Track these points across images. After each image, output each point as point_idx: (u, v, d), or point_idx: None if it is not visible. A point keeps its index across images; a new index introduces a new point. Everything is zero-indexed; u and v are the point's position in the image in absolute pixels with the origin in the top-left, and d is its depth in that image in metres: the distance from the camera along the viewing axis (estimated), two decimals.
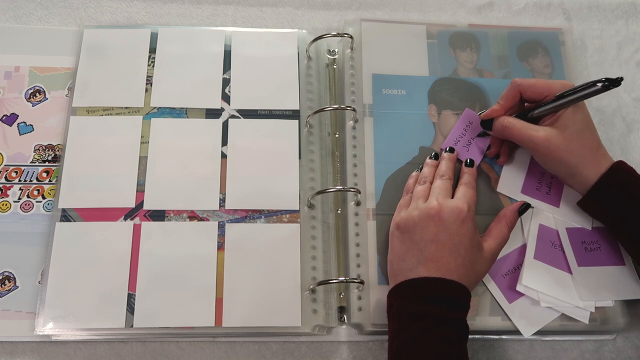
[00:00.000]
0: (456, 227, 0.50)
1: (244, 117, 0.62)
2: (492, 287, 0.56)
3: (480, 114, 0.60)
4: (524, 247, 0.57)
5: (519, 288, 0.55)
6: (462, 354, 0.46)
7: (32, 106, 0.62)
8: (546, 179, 0.60)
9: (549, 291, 0.55)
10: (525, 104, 0.58)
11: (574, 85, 0.54)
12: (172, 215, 0.57)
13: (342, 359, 0.56)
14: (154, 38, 0.65)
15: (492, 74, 0.65)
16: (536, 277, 0.55)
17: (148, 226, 0.57)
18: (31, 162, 0.60)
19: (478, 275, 0.51)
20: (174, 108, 0.62)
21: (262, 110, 0.62)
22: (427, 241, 0.50)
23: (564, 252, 0.57)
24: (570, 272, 0.56)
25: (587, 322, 0.55)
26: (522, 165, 0.61)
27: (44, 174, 0.60)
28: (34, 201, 0.59)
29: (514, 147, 0.60)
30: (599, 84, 0.50)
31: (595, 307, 0.55)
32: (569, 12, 0.73)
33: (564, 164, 0.54)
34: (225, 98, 0.63)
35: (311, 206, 0.58)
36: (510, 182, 0.60)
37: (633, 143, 0.66)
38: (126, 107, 0.62)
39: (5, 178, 0.59)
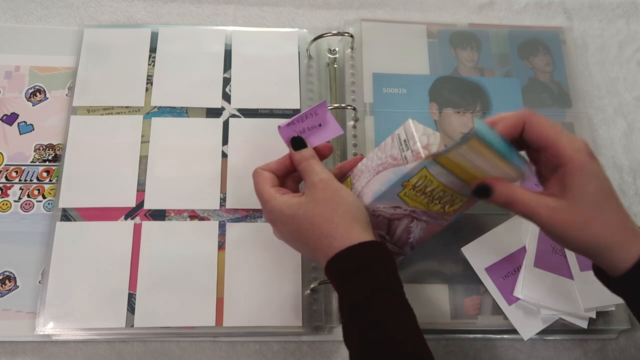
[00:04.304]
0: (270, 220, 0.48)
1: (245, 116, 0.62)
2: (492, 288, 0.55)
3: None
4: (523, 249, 0.57)
5: (516, 295, 0.55)
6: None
7: (33, 106, 0.62)
8: None
9: (548, 301, 0.54)
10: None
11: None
12: (172, 214, 0.57)
13: (343, 359, 0.56)
14: (154, 37, 0.65)
15: (493, 72, 0.65)
16: (534, 287, 0.54)
17: (148, 226, 0.57)
18: (31, 162, 0.60)
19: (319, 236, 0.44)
20: (174, 107, 0.62)
21: (262, 109, 0.62)
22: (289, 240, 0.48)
23: (565, 257, 0.57)
24: (572, 278, 0.55)
25: (585, 327, 0.54)
26: None
27: (45, 174, 0.60)
28: (34, 201, 0.58)
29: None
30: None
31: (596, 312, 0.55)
32: (569, 11, 0.73)
33: (581, 245, 0.41)
34: (226, 97, 0.63)
35: None
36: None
37: (634, 142, 0.66)
38: (127, 107, 0.61)
39: (6, 178, 0.59)
